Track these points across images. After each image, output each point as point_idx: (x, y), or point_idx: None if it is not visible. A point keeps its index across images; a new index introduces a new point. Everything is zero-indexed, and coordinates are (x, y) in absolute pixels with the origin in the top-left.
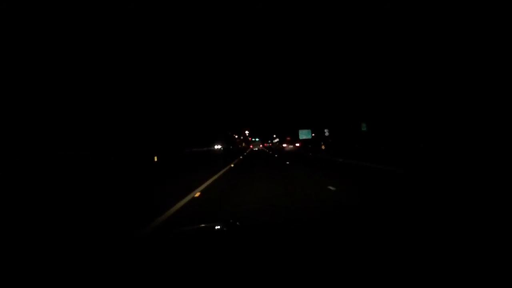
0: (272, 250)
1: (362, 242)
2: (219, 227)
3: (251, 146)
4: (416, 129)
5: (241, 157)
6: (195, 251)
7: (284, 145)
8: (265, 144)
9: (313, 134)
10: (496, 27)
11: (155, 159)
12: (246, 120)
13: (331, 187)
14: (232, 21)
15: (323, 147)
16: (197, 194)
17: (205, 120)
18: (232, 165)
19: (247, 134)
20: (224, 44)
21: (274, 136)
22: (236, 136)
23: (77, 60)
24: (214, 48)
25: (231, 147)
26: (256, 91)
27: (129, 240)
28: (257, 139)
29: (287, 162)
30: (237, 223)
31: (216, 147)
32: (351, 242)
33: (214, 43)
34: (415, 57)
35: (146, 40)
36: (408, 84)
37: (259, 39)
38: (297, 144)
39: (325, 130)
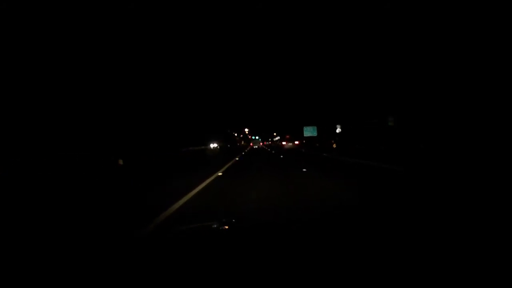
0: (273, 250)
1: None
2: (219, 226)
3: (251, 144)
4: (416, 129)
5: (237, 158)
6: (196, 252)
7: (283, 143)
8: (265, 142)
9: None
10: (496, 27)
11: (120, 162)
12: (246, 118)
13: None
14: (232, 20)
15: (334, 145)
16: None
17: (203, 119)
18: (221, 173)
19: (247, 132)
20: (224, 42)
21: (275, 134)
22: (236, 134)
23: (77, 60)
24: (214, 47)
25: (228, 145)
26: (256, 89)
27: (129, 239)
28: (257, 137)
29: (304, 169)
30: (233, 220)
31: (212, 145)
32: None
33: (214, 41)
34: (414, 57)
35: (145, 39)
36: (408, 84)
37: (258, 37)
38: (296, 142)
39: (337, 126)
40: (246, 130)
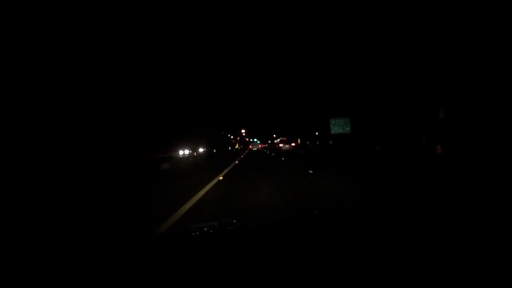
0: (279, 251)
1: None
2: (222, 228)
3: (250, 147)
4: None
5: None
6: (202, 253)
7: (281, 145)
8: (262, 145)
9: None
10: (496, 27)
11: None
12: (244, 118)
13: None
14: (232, 20)
15: (439, 150)
16: None
17: (195, 119)
18: None
19: (244, 134)
20: (223, 40)
21: (274, 136)
22: (232, 137)
23: (76, 60)
24: (213, 45)
25: (214, 150)
26: (256, 89)
27: (135, 240)
28: (255, 140)
29: None
30: (233, 220)
31: (181, 153)
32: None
33: (213, 40)
34: (414, 57)
35: (144, 39)
36: (408, 85)
37: (258, 36)
38: (292, 144)
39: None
40: (243, 131)
